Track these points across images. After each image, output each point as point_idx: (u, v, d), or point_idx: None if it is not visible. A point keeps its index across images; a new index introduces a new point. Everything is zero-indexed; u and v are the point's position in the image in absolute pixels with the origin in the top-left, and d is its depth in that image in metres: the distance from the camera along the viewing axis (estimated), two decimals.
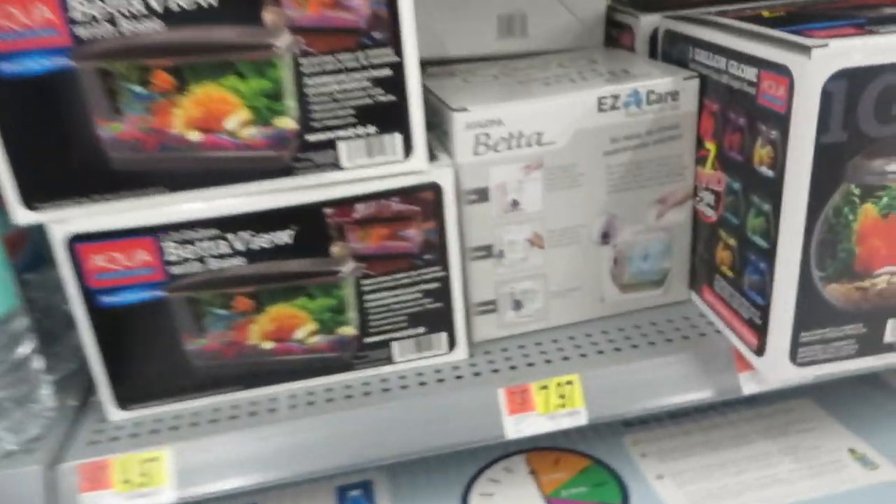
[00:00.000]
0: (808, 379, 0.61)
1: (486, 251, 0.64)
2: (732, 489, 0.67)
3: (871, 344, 0.59)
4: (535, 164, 0.62)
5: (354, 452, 0.60)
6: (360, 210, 0.58)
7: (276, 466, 0.60)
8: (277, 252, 0.58)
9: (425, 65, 0.77)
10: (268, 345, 0.62)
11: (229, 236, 0.57)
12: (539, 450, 0.77)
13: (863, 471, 0.68)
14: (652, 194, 0.66)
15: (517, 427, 0.62)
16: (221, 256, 0.57)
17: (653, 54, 0.73)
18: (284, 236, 0.57)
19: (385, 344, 0.64)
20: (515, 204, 0.63)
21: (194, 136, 0.53)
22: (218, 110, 0.53)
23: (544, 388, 0.62)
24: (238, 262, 0.58)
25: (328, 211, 0.57)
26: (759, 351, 0.60)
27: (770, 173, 0.54)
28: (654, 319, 0.69)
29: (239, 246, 0.57)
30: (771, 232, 0.55)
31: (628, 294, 0.69)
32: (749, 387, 0.64)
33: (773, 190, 0.54)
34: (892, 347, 0.59)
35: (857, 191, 0.53)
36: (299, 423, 0.60)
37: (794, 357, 0.58)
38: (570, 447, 0.77)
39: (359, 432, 0.61)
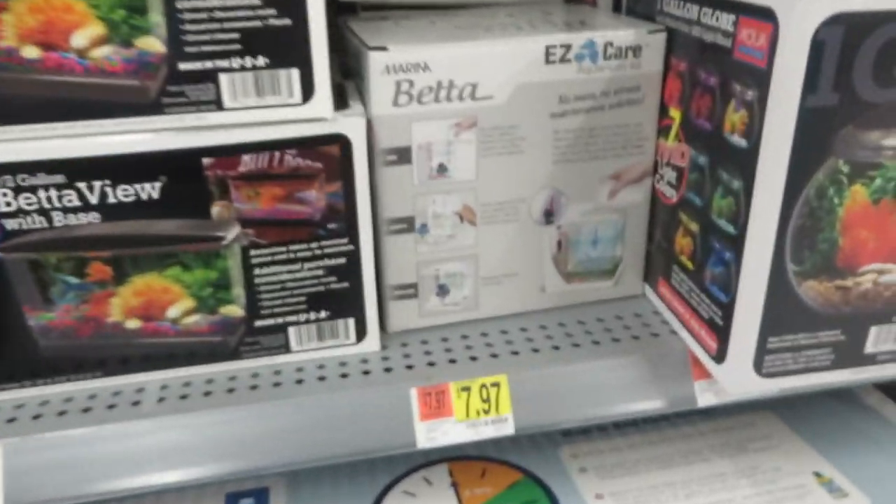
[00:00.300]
0: (773, 392, 0.52)
1: (406, 224, 0.54)
2: None
3: (849, 354, 0.50)
4: (468, 123, 0.52)
5: (231, 459, 0.50)
6: (248, 163, 0.47)
7: (131, 472, 0.49)
8: (142, 209, 0.47)
9: (358, 8, 0.67)
10: (133, 323, 0.51)
11: (80, 185, 0.46)
12: (465, 459, 0.67)
13: (829, 499, 0.59)
14: (605, 168, 0.56)
15: (430, 435, 0.52)
16: (70, 210, 0.46)
17: (617, 9, 0.63)
18: (151, 189, 0.47)
19: (280, 329, 0.54)
20: (443, 169, 0.53)
21: (31, 52, 0.42)
22: (61, 22, 0.42)
23: (465, 389, 0.52)
24: (92, 218, 0.47)
25: (207, 161, 0.47)
26: (719, 357, 0.50)
27: (743, 143, 0.45)
28: (601, 315, 0.60)
29: (92, 199, 0.46)
30: (740, 215, 0.46)
31: (573, 284, 0.60)
32: (706, 398, 0.55)
33: (745, 163, 0.45)
34: (873, 359, 0.50)
35: (845, 168, 0.44)
36: (166, 421, 0.50)
37: (758, 366, 0.49)
38: (500, 457, 0.67)
39: (239, 434, 0.50)
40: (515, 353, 0.55)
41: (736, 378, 0.49)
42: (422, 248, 0.55)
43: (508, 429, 0.53)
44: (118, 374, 0.53)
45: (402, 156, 0.52)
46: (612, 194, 0.57)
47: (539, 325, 0.59)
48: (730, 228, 0.47)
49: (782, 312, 0.47)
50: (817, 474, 0.62)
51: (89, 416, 0.50)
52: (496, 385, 0.53)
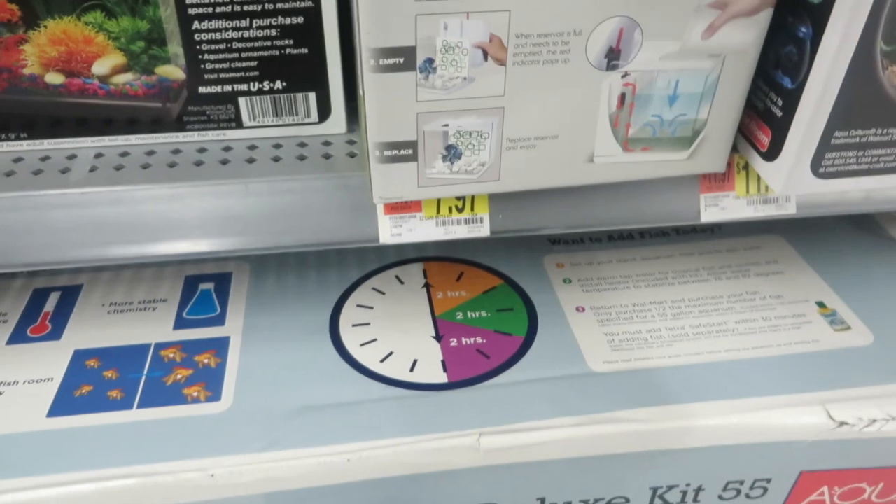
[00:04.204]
0: (825, 196, 0.47)
1: (403, 59, 0.38)
2: (664, 335, 0.54)
3: None
4: None
5: (168, 240, 0.45)
6: None
7: (57, 245, 0.44)
8: None
9: None
10: (55, 78, 0.44)
11: None
12: (443, 260, 0.62)
13: (829, 330, 0.55)
14: None
15: (394, 230, 0.46)
16: None
17: None
18: None
19: (229, 99, 0.46)
20: None
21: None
22: None
23: None
24: None
25: None
26: (771, 153, 0.44)
27: None
28: None
29: None
30: None
31: (633, 155, 0.44)
32: (710, 213, 0.48)
33: None
34: None
35: None
36: (96, 194, 0.44)
37: (816, 165, 0.42)
38: (480, 261, 0.62)
39: (178, 213, 0.45)
40: None
41: (787, 177, 0.43)
42: (425, 95, 0.39)
43: (483, 230, 0.47)
44: (46, 138, 0.46)
45: None
46: (709, 31, 0.39)
47: None
48: None
49: (858, 102, 0.39)
50: (820, 304, 0.57)
51: (12, 181, 0.44)
52: None
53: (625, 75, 0.40)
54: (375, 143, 0.41)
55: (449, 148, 0.42)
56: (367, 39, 0.37)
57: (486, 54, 0.38)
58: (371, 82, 0.38)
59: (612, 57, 0.39)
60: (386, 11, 0.36)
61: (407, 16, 0.36)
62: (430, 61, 0.38)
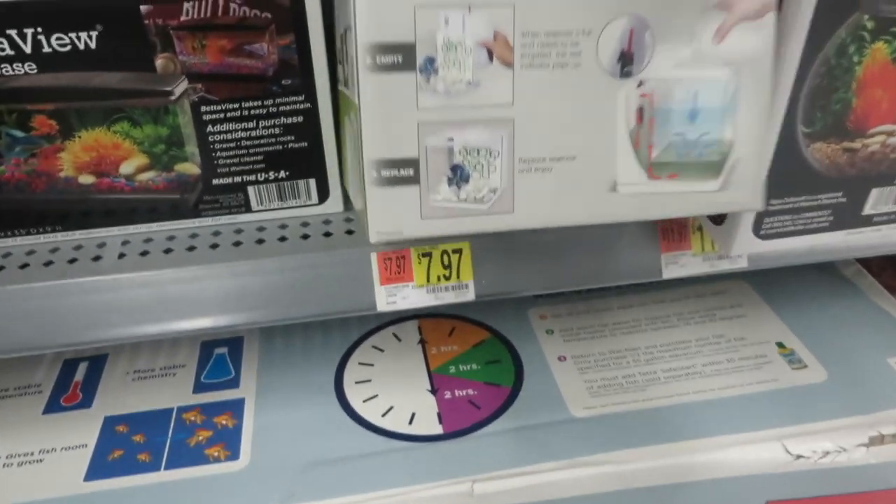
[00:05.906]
0: (769, 253, 0.52)
1: (401, 56, 0.35)
2: (638, 380, 0.59)
3: (848, 216, 0.49)
4: None
5: (191, 317, 0.50)
6: (189, 11, 0.44)
7: (92, 325, 0.50)
8: (80, 59, 0.44)
9: None
10: (87, 179, 0.50)
11: (10, 32, 0.43)
12: (436, 317, 0.68)
13: (787, 369, 0.60)
14: None
15: (390, 299, 0.52)
16: (4, 59, 0.43)
17: None
18: (88, 39, 0.43)
19: (239, 188, 0.52)
20: None
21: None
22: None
23: (426, 255, 0.52)
24: (28, 69, 0.44)
25: (146, 8, 0.43)
26: (719, 218, 0.50)
27: None
28: None
29: (26, 47, 0.43)
30: None
31: (659, 183, 0.39)
32: (670, 271, 0.54)
33: None
34: (870, 220, 0.50)
35: (869, 24, 0.41)
36: (126, 279, 0.50)
37: (757, 228, 0.48)
38: (471, 316, 0.68)
39: (198, 292, 0.50)
40: None
41: (734, 240, 0.49)
42: (426, 100, 0.35)
43: (469, 295, 0.53)
44: (78, 229, 0.52)
45: None
46: (719, 35, 0.37)
47: None
48: None
49: (787, 175, 0.46)
50: (780, 345, 0.63)
51: (51, 270, 0.50)
52: (458, 252, 0.52)
53: (641, 83, 0.37)
54: (372, 161, 0.36)
55: (455, 168, 0.37)
56: (364, 34, 0.34)
57: (491, 54, 0.35)
58: (367, 84, 0.35)
59: (625, 61, 0.37)
60: (384, 3, 0.34)
61: (405, 8, 0.34)
62: (432, 60, 0.35)
